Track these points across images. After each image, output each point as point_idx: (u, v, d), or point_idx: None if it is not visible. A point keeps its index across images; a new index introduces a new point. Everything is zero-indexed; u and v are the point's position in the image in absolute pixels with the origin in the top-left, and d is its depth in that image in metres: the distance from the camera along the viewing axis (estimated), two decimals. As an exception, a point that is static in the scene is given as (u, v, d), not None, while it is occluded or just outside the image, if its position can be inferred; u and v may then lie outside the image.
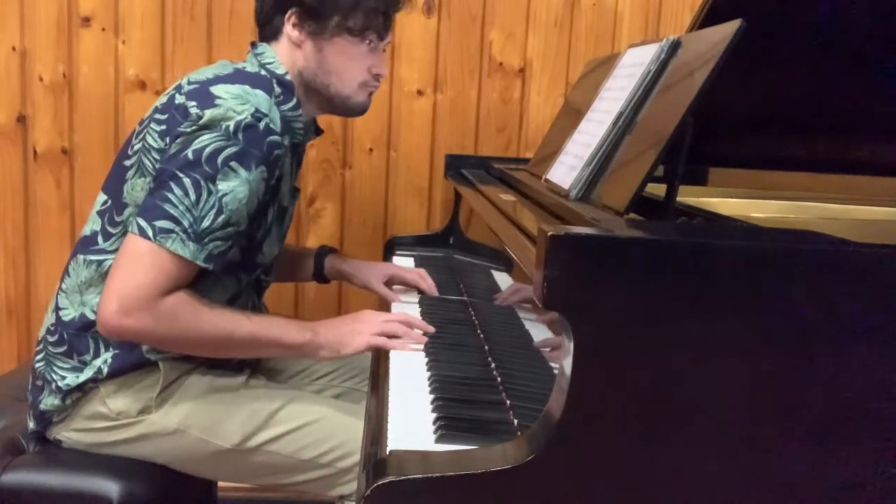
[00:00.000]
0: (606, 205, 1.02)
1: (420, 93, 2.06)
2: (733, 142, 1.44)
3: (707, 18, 1.27)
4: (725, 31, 0.98)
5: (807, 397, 0.76)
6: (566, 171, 1.20)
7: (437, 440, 0.91)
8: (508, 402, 1.01)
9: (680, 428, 0.76)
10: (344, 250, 1.94)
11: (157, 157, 1.23)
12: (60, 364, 1.30)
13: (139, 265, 1.17)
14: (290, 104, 1.34)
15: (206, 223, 1.18)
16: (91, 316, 1.29)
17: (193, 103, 1.22)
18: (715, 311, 0.75)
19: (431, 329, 1.29)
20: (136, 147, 1.29)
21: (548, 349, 0.97)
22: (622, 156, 1.09)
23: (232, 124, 1.20)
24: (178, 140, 1.20)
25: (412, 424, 0.95)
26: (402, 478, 0.75)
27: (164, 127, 1.24)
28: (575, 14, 2.07)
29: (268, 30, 1.38)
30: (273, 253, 1.41)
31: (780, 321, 0.75)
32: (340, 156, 2.07)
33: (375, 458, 0.84)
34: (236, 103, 1.21)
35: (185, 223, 1.17)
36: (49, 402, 1.31)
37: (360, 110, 1.43)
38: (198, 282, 1.24)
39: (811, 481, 0.77)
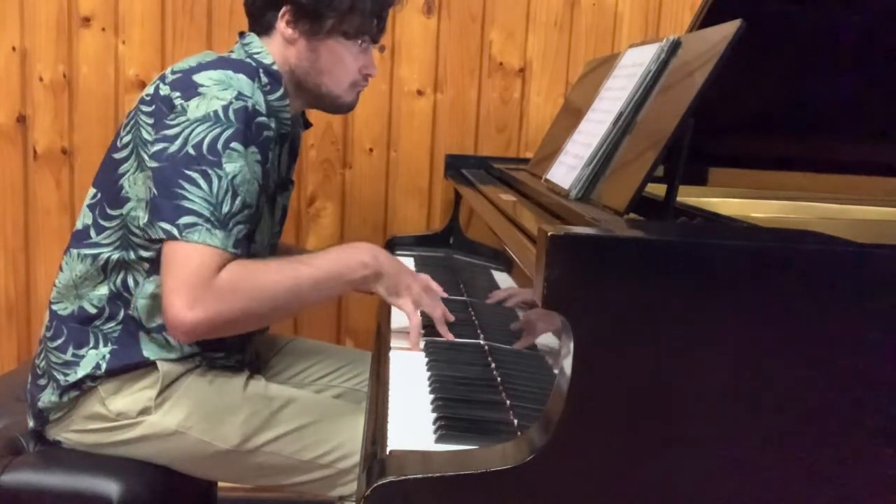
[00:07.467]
0: (606, 205, 1.02)
1: (420, 93, 2.06)
2: (733, 142, 1.44)
3: (707, 18, 1.27)
4: (725, 31, 0.98)
5: (807, 397, 0.76)
6: (566, 171, 1.20)
7: (437, 440, 0.91)
8: (508, 402, 1.01)
9: (680, 428, 0.76)
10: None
11: (150, 150, 1.23)
12: (56, 360, 1.30)
13: (179, 265, 1.17)
14: (278, 94, 1.35)
15: (225, 208, 1.19)
16: (91, 310, 1.30)
17: (177, 93, 1.23)
18: (715, 311, 0.75)
19: (450, 337, 1.29)
20: (127, 139, 1.28)
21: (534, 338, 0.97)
22: (622, 156, 1.09)
23: (220, 110, 1.20)
24: (170, 134, 1.20)
25: (412, 424, 0.95)
26: (402, 478, 0.75)
27: (152, 119, 1.24)
28: (575, 14, 2.07)
29: (259, 23, 1.38)
30: (265, 243, 1.40)
31: (779, 321, 0.75)
32: (340, 156, 2.07)
33: (375, 458, 0.84)
34: (219, 89, 1.22)
35: (207, 213, 1.17)
36: (47, 398, 1.30)
37: (348, 108, 1.46)
38: None
39: (812, 481, 0.77)
